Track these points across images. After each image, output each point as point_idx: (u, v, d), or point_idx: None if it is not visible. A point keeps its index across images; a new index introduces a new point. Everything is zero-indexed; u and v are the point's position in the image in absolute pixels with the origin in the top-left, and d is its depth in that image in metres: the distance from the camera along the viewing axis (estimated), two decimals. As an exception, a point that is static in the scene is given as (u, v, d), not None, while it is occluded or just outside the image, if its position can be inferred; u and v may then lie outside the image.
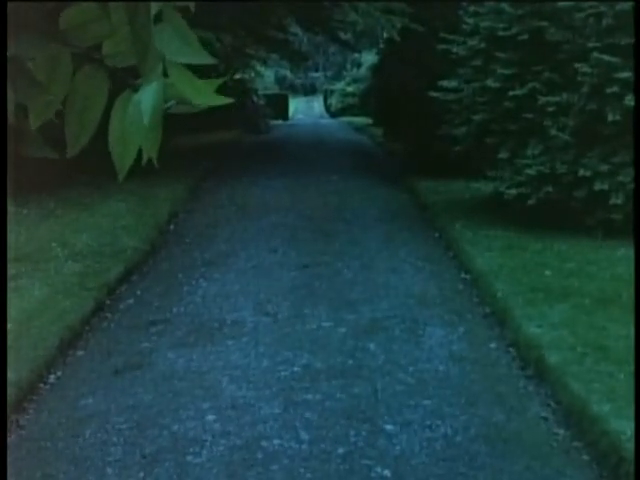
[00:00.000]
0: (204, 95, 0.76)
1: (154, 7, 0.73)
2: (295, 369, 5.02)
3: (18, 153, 0.82)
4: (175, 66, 0.75)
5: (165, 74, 0.75)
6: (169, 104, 0.83)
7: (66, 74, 0.81)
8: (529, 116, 8.26)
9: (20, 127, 0.80)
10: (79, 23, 0.79)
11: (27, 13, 0.79)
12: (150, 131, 0.75)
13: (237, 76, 23.87)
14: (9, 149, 0.83)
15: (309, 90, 56.75)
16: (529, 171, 8.17)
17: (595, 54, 7.71)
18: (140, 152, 0.80)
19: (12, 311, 5.71)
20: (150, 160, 0.88)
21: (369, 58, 29.14)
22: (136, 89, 0.77)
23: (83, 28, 0.79)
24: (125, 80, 0.82)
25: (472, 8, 9.58)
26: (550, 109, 8.09)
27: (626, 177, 7.59)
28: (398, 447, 4.01)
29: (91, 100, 0.81)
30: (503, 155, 8.62)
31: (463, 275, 7.27)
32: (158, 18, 0.75)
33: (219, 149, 18.30)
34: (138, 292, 6.84)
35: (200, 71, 0.86)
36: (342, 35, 23.04)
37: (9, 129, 0.79)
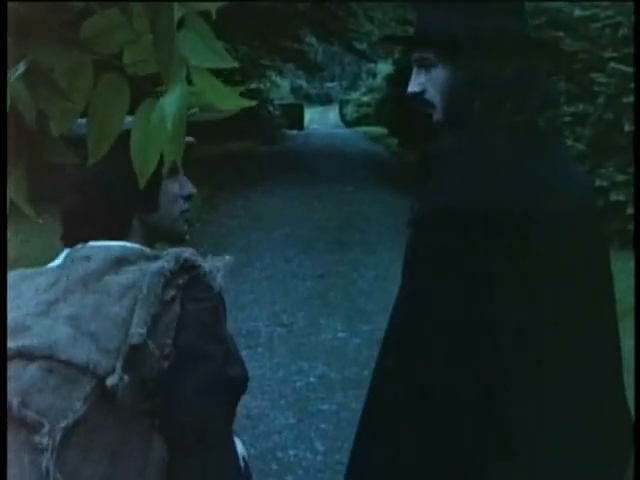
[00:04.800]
0: (230, 99, 0.76)
1: (176, 13, 0.74)
2: (310, 379, 5.01)
3: (34, 163, 0.82)
4: (199, 72, 0.76)
5: (189, 81, 0.75)
6: (192, 111, 0.84)
7: (87, 82, 0.82)
8: (545, 126, 8.23)
9: (41, 133, 0.81)
10: (101, 30, 0.80)
11: (48, 21, 0.79)
12: (173, 137, 0.75)
13: (253, 86, 24.00)
14: (28, 159, 0.83)
15: (324, 100, 56.92)
16: (545, 181, 8.13)
17: (612, 64, 7.69)
18: (161, 160, 0.81)
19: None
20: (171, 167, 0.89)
21: (384, 68, 29.20)
22: (159, 96, 0.77)
23: (105, 36, 0.80)
24: (145, 87, 0.83)
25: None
26: (566, 119, 8.06)
27: (643, 187, 7.54)
28: (414, 458, 3.98)
29: (112, 108, 0.82)
30: (519, 165, 8.59)
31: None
32: (181, 24, 0.75)
33: (234, 159, 18.36)
34: (153, 301, 6.84)
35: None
36: (357, 45, 23.14)
37: (29, 136, 0.80)
